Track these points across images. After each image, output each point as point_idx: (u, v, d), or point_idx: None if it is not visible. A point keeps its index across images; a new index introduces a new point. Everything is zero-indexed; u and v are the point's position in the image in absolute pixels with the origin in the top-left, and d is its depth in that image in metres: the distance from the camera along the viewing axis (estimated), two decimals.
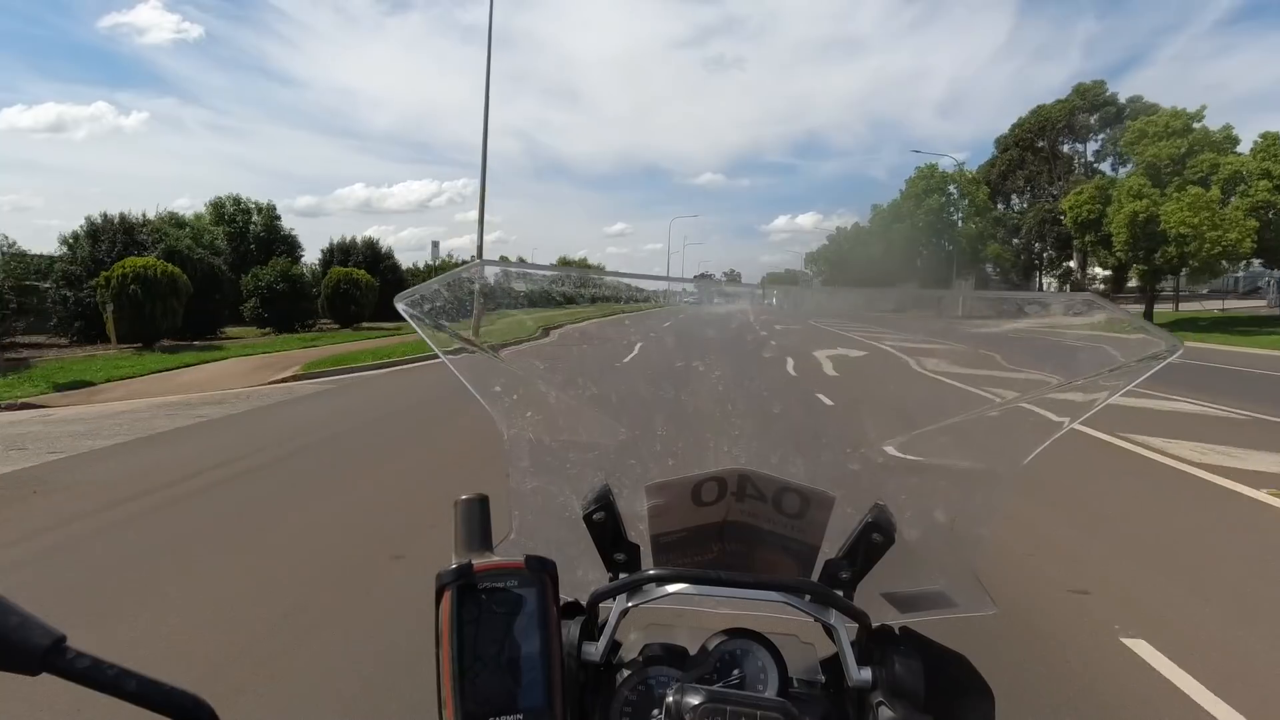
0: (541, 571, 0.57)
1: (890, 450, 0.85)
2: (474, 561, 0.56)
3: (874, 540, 0.75)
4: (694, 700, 0.58)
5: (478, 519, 0.61)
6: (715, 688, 0.63)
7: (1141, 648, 2.81)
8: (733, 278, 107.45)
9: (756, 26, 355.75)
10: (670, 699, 0.59)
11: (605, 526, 0.77)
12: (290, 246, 31.34)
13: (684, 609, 0.77)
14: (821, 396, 1.41)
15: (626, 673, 0.72)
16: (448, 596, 0.55)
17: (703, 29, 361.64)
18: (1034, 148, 45.11)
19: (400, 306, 0.73)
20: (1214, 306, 38.50)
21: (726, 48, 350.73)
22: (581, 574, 0.79)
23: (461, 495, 0.61)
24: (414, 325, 0.74)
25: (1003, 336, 0.92)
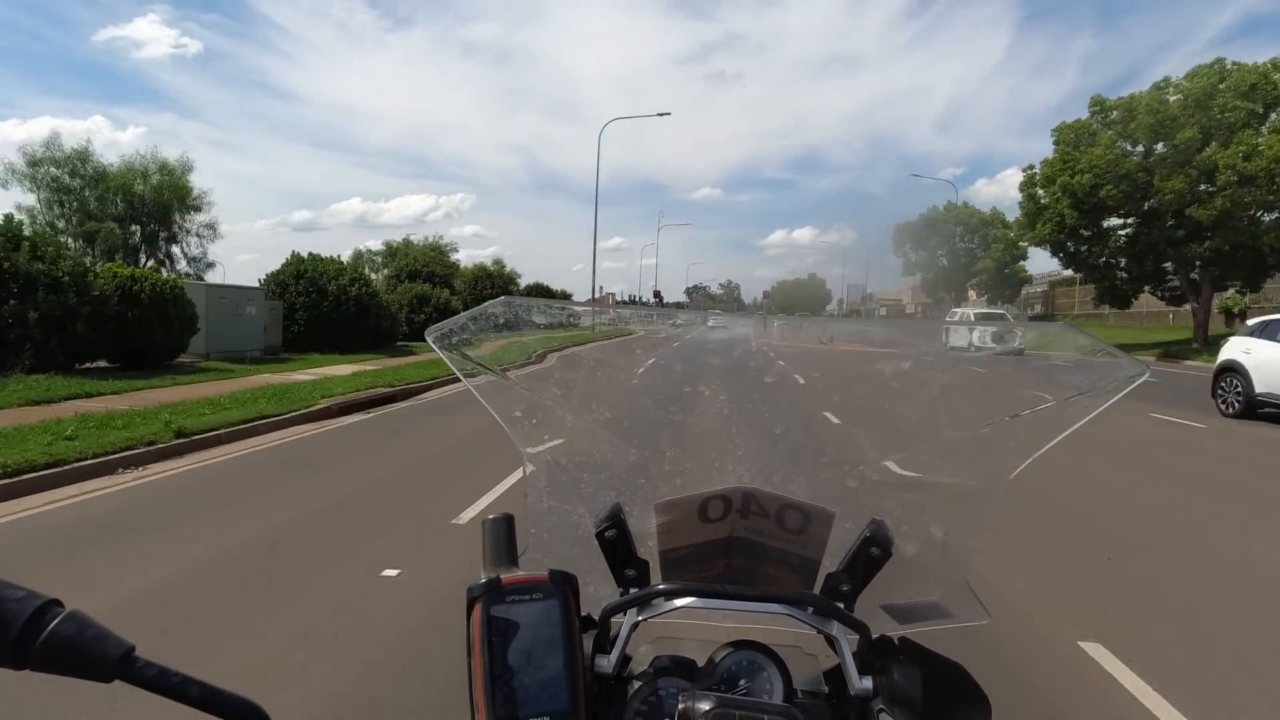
0: (564, 585, 0.61)
1: (887, 467, 0.87)
2: (501, 576, 0.60)
3: (872, 554, 0.77)
4: (704, 706, 0.60)
5: (504, 537, 0.65)
6: (725, 694, 0.65)
7: None
8: (729, 289, 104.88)
9: (757, 44, 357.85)
10: (681, 705, 0.62)
11: (616, 543, 0.79)
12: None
13: (691, 622, 0.79)
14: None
15: (637, 684, 0.74)
16: (478, 608, 0.58)
17: (704, 45, 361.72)
18: None
19: (430, 339, 0.78)
20: None
21: (727, 63, 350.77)
22: (593, 590, 0.81)
23: (489, 515, 0.66)
24: (442, 356, 0.79)
25: (993, 359, 0.97)
